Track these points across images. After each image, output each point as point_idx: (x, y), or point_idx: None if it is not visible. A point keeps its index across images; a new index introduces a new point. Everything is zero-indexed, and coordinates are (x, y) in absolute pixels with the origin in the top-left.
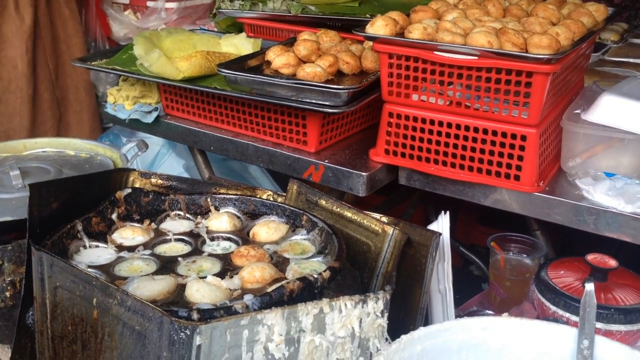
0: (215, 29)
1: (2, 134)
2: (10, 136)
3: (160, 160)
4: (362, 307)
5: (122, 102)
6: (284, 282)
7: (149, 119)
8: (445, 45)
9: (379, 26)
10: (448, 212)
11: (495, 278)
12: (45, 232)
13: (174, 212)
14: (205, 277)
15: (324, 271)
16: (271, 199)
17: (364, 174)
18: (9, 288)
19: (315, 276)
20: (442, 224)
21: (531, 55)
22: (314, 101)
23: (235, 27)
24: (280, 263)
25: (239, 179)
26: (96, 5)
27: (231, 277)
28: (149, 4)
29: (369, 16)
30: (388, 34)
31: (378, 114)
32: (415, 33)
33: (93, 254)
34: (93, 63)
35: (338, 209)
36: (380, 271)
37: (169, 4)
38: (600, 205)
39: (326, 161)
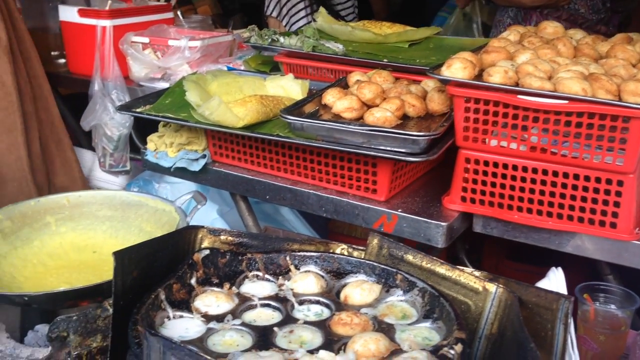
0: (242, 67)
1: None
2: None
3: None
4: None
5: (164, 149)
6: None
7: (196, 166)
8: (536, 91)
9: (456, 69)
10: (560, 268)
11: (586, 331)
12: (126, 302)
13: (252, 273)
14: (311, 351)
15: (456, 344)
16: (346, 253)
17: (443, 224)
18: None
19: (452, 353)
20: (556, 282)
21: (633, 105)
22: (387, 148)
23: (265, 65)
24: (385, 330)
25: (272, 222)
26: (114, 45)
27: (344, 350)
28: (171, 42)
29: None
30: (467, 77)
31: (442, 155)
32: (497, 77)
33: (180, 326)
34: (137, 110)
35: (429, 265)
36: (484, 333)
37: (192, 42)
38: None
39: (399, 210)
